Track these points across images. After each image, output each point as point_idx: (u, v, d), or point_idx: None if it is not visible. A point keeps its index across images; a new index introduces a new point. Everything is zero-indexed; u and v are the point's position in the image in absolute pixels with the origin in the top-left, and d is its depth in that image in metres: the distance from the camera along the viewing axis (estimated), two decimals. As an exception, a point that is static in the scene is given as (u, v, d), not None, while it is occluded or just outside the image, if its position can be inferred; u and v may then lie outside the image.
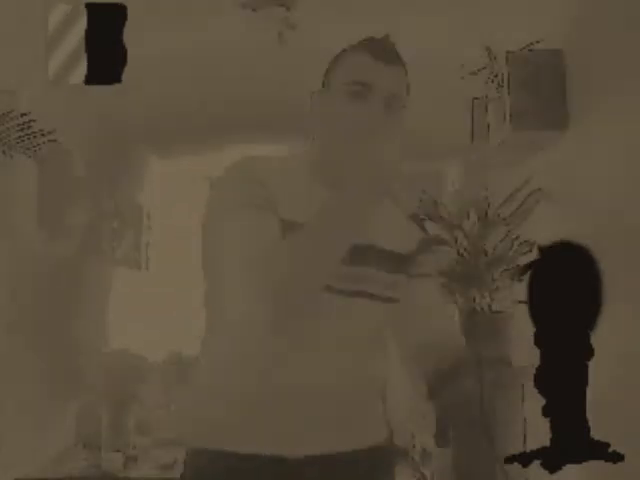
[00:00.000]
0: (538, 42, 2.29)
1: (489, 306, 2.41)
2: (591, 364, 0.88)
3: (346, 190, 1.13)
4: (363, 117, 1.21)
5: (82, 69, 1.92)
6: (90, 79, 1.86)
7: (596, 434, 0.87)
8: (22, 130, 2.04)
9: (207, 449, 1.23)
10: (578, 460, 0.88)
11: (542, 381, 0.88)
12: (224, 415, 1.22)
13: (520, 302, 1.13)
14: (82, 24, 1.90)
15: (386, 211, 1.26)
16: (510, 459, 0.93)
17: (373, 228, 1.23)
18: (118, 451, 3.07)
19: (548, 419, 0.88)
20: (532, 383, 0.93)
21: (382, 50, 1.26)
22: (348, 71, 1.26)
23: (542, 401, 0.88)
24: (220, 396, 1.24)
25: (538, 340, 0.89)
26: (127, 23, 1.80)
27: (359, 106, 1.22)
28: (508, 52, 2.31)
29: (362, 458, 1.27)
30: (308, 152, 1.34)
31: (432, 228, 2.46)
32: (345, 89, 1.24)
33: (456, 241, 2.43)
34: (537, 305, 0.88)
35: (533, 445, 0.90)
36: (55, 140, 2.13)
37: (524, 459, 0.90)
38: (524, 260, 2.24)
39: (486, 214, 2.42)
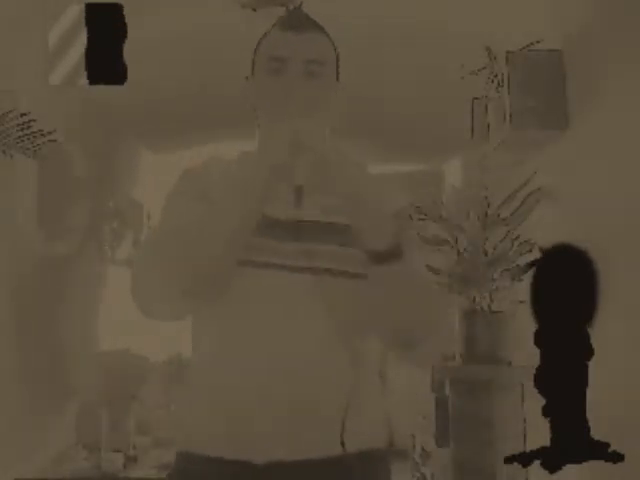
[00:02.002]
0: (538, 42, 2.29)
1: (489, 306, 2.41)
2: (591, 364, 0.88)
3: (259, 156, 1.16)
4: (282, 90, 1.22)
5: (82, 69, 1.92)
6: (91, 79, 1.87)
7: (596, 434, 0.88)
8: (22, 130, 2.04)
9: (192, 453, 1.21)
10: (578, 460, 0.88)
11: (542, 381, 0.88)
12: (208, 419, 1.18)
13: (521, 302, 1.13)
14: (82, 25, 1.90)
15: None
16: (510, 459, 0.93)
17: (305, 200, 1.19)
18: (118, 451, 3.07)
19: (548, 419, 0.88)
20: (532, 383, 0.93)
21: (291, 21, 1.28)
22: (264, 50, 1.28)
23: (542, 401, 0.88)
24: (204, 399, 1.21)
25: (538, 340, 0.89)
26: (127, 22, 1.80)
27: (277, 80, 1.23)
28: (508, 52, 2.31)
29: (354, 462, 1.16)
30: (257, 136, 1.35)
31: (432, 228, 2.46)
32: (265, 68, 1.26)
33: (456, 241, 2.42)
34: (538, 305, 0.88)
35: (533, 445, 0.90)
36: (55, 140, 2.13)
37: (524, 459, 0.90)
38: (524, 260, 2.24)
39: (486, 214, 2.41)
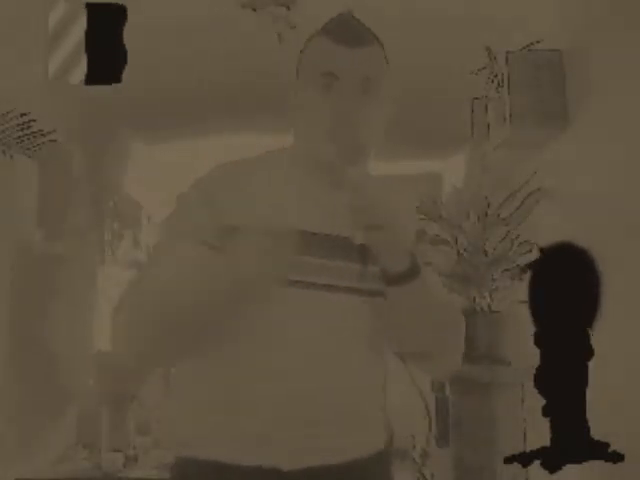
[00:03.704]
0: (538, 42, 2.29)
1: (489, 306, 2.41)
2: (591, 364, 0.88)
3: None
4: (335, 109, 1.14)
5: (82, 69, 1.92)
6: (90, 79, 1.87)
7: (596, 434, 0.87)
8: (22, 130, 2.04)
9: (195, 458, 1.15)
10: (578, 460, 0.88)
11: (542, 381, 0.88)
12: (212, 424, 1.14)
13: (521, 302, 1.13)
14: (82, 24, 1.90)
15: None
16: (510, 459, 0.93)
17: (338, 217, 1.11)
18: (118, 451, 3.07)
19: (548, 419, 0.88)
20: (532, 383, 0.93)
21: (345, 32, 1.17)
22: (315, 61, 1.19)
23: (542, 401, 0.88)
24: (206, 403, 1.16)
25: (538, 340, 0.89)
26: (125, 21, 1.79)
27: (331, 98, 1.15)
28: (508, 52, 2.31)
29: (360, 467, 1.16)
30: (291, 148, 1.26)
31: (432, 228, 2.47)
32: (316, 81, 1.17)
33: (456, 241, 2.42)
34: (538, 305, 0.88)
35: (533, 445, 0.90)
36: (55, 140, 2.13)
37: (524, 459, 0.90)
38: (524, 260, 2.24)
39: (486, 214, 2.42)
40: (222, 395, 1.14)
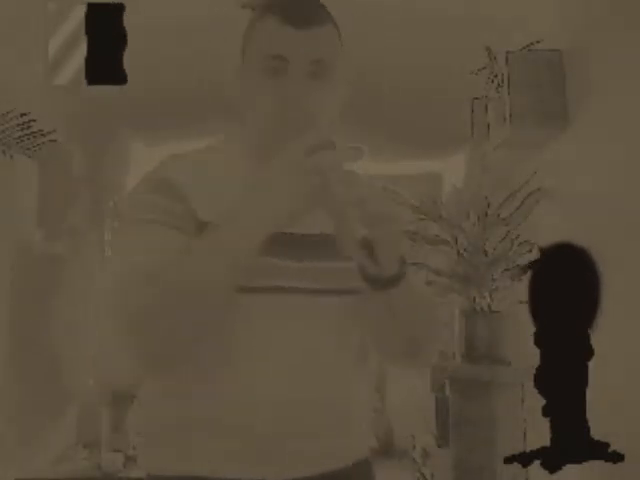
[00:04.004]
0: (538, 42, 2.29)
1: (489, 306, 2.41)
2: (591, 364, 0.88)
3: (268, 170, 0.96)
4: (284, 94, 1.05)
5: (82, 69, 1.92)
6: (91, 79, 1.87)
7: (596, 434, 0.87)
8: (22, 130, 2.04)
9: (174, 475, 1.06)
10: (578, 460, 0.87)
11: (542, 381, 0.88)
12: (193, 439, 1.06)
13: (521, 302, 1.13)
14: (82, 24, 1.90)
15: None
16: (510, 459, 0.93)
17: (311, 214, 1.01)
18: (118, 451, 3.07)
19: (548, 419, 0.88)
20: (532, 383, 0.93)
21: (295, 11, 1.08)
22: (262, 43, 1.10)
23: (542, 401, 0.88)
24: (185, 419, 1.07)
25: (538, 340, 0.89)
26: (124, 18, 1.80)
27: (279, 82, 1.06)
28: (508, 52, 2.31)
29: (345, 475, 1.12)
30: (243, 138, 1.17)
31: (432, 228, 2.47)
32: (263, 64, 1.08)
33: (456, 241, 2.43)
34: (538, 305, 0.88)
35: (533, 445, 0.90)
36: (55, 140, 2.13)
37: (524, 459, 0.90)
38: (524, 260, 2.24)
39: (486, 214, 2.42)
40: (201, 410, 1.06)
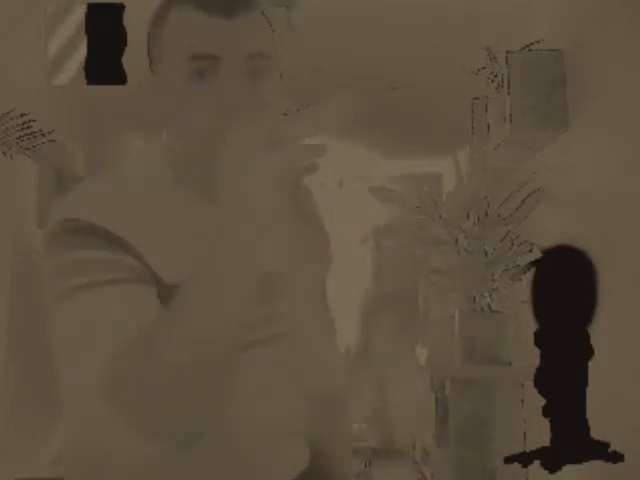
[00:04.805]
0: (538, 42, 2.29)
1: (489, 306, 2.41)
2: (591, 364, 0.88)
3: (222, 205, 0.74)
4: (217, 100, 0.85)
5: (82, 69, 1.92)
6: (91, 79, 1.87)
7: (596, 434, 0.87)
8: (22, 130, 2.04)
9: None
10: (578, 460, 0.88)
11: (542, 381, 0.88)
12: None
13: (523, 302, 1.14)
14: (82, 24, 1.91)
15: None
16: (510, 459, 0.93)
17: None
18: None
19: (548, 419, 0.88)
20: (532, 383, 0.93)
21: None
22: (181, 41, 0.87)
23: (542, 401, 0.88)
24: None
25: (538, 340, 0.89)
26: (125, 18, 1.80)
27: (204, 86, 0.85)
28: (508, 52, 2.31)
29: None
30: (168, 161, 0.95)
31: (432, 228, 2.47)
32: (184, 69, 0.86)
33: (456, 241, 2.43)
34: (537, 305, 0.88)
35: (533, 445, 0.90)
36: (55, 140, 2.13)
37: (524, 459, 0.90)
38: (524, 260, 2.24)
39: (486, 214, 2.42)
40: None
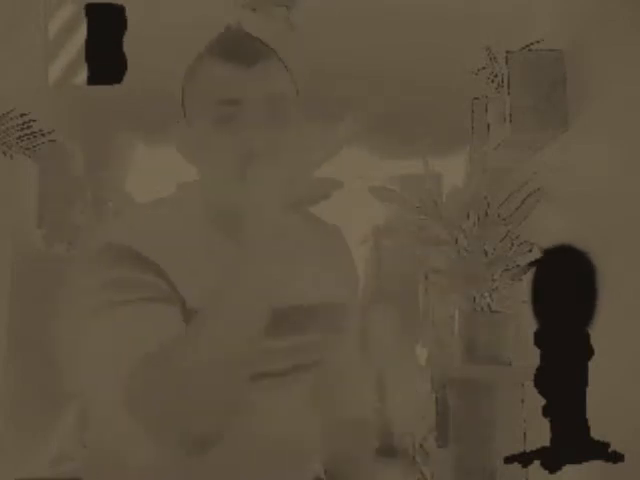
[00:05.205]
0: (538, 42, 2.29)
1: (489, 306, 2.41)
2: (591, 364, 0.88)
3: (247, 241, 0.88)
4: (241, 141, 0.96)
5: (82, 69, 1.92)
6: (91, 79, 1.87)
7: (596, 434, 0.87)
8: (22, 130, 2.04)
9: None
10: (578, 460, 0.88)
11: (542, 381, 0.88)
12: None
13: (523, 302, 1.13)
14: (82, 25, 1.90)
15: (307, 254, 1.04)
16: (510, 459, 0.93)
17: (296, 279, 0.99)
18: (118, 451, 3.07)
19: (548, 419, 0.88)
20: (532, 383, 0.93)
21: (237, 50, 1.00)
22: (207, 88, 1.00)
23: (542, 401, 0.88)
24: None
25: (538, 340, 0.89)
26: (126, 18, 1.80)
27: (233, 130, 0.97)
28: (508, 52, 2.31)
29: None
30: (200, 190, 1.06)
31: (432, 228, 2.47)
32: (211, 112, 0.98)
33: (456, 241, 2.42)
34: (538, 306, 0.88)
35: (533, 445, 0.90)
36: (55, 140, 2.13)
37: (524, 459, 0.90)
38: (524, 260, 2.24)
39: (486, 214, 2.42)
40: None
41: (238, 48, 1.00)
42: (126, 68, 1.75)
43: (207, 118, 0.99)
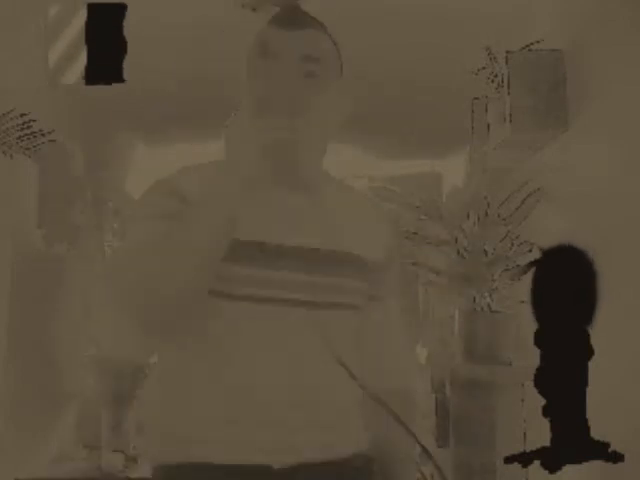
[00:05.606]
0: (538, 42, 2.29)
1: (489, 306, 2.41)
2: (591, 364, 0.88)
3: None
4: (274, 81, 1.11)
5: (81, 69, 1.91)
6: (90, 79, 1.86)
7: (596, 434, 0.87)
8: (22, 130, 2.04)
9: (179, 463, 1.10)
10: (578, 460, 0.87)
11: (542, 381, 0.88)
12: (196, 426, 1.10)
13: (523, 302, 1.13)
14: (82, 24, 1.90)
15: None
16: (510, 459, 0.93)
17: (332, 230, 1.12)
18: (118, 451, 3.07)
19: (548, 419, 0.88)
20: (532, 383, 0.93)
21: (286, 17, 1.18)
22: (254, 49, 1.18)
23: (542, 401, 0.88)
24: (187, 407, 1.12)
25: (538, 340, 0.89)
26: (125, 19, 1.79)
27: (270, 67, 1.13)
28: (508, 52, 2.31)
29: (346, 466, 1.16)
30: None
31: (432, 228, 2.47)
32: (257, 67, 1.15)
33: (456, 241, 2.43)
34: (538, 306, 0.88)
35: (533, 445, 0.90)
36: (55, 140, 2.13)
37: (524, 459, 0.90)
38: (524, 260, 2.24)
39: (486, 214, 2.42)
40: (204, 402, 1.11)
41: (287, 17, 1.17)
42: (125, 54, 1.75)
43: (252, 55, 1.16)
